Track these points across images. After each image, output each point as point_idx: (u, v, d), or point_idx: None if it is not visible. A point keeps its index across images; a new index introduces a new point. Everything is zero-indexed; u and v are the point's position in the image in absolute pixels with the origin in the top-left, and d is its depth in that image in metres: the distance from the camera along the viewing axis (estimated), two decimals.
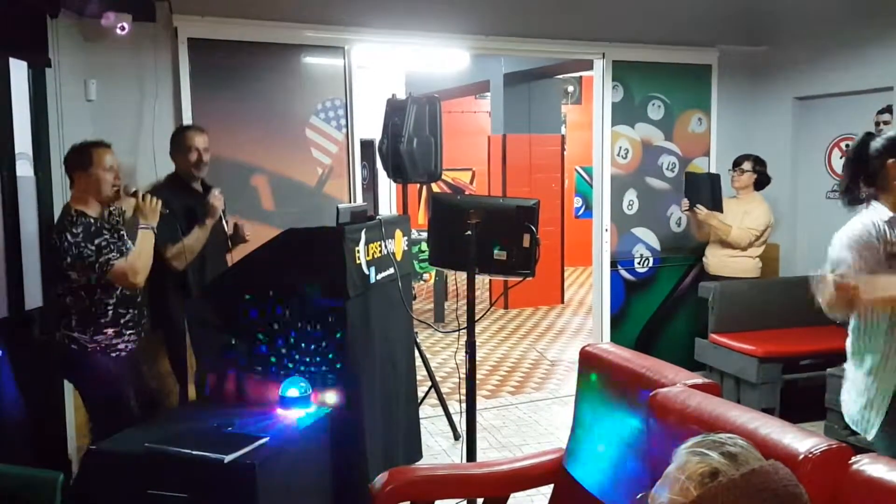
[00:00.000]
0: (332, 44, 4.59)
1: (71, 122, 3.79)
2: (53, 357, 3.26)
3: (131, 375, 3.23)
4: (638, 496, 1.28)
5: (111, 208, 3.23)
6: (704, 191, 5.09)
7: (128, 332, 3.18)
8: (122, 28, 3.78)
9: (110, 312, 3.12)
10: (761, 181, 5.15)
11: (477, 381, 3.15)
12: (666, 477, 1.22)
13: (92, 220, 3.05)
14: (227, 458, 2.37)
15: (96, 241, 3.00)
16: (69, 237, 2.97)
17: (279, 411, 2.82)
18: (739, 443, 1.25)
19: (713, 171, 5.57)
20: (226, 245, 3.85)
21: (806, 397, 4.44)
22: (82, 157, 3.11)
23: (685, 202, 5.21)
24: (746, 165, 5.13)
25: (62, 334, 3.12)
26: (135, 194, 3.25)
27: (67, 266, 3.01)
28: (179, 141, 3.69)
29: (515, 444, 4.43)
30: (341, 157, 4.69)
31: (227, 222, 3.81)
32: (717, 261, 5.19)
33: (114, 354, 3.14)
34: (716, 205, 5.05)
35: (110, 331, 3.12)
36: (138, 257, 3.10)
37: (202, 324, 3.27)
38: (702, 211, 5.06)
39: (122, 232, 3.24)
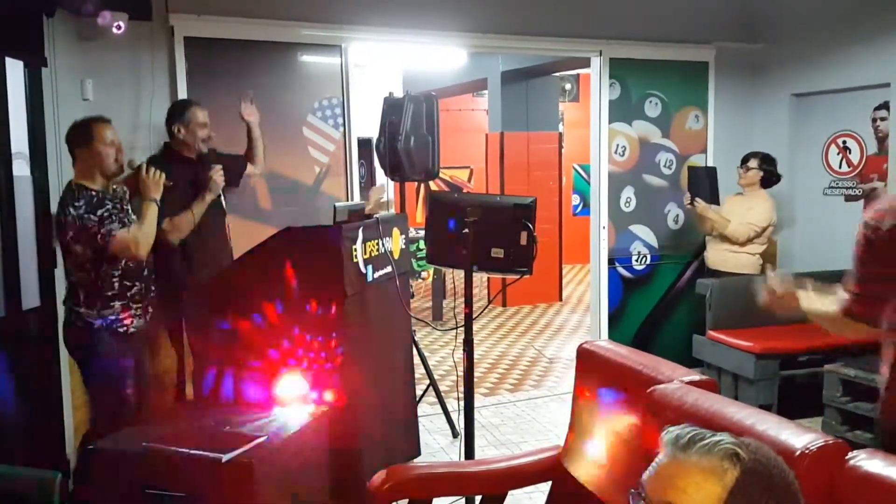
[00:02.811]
0: (328, 42, 4.58)
1: (67, 122, 3.75)
2: (63, 334, 3.26)
3: (133, 360, 3.22)
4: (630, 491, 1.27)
5: (114, 185, 3.23)
6: (703, 184, 5.13)
7: (135, 306, 3.19)
8: (119, 27, 3.77)
9: (116, 285, 3.13)
10: (768, 179, 5.15)
11: (475, 379, 3.15)
12: (675, 476, 1.21)
13: (94, 193, 3.07)
14: (225, 457, 2.37)
15: (98, 212, 3.02)
16: (72, 210, 3.00)
17: (277, 410, 2.82)
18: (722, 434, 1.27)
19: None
20: (223, 220, 3.87)
21: (803, 394, 4.45)
22: (83, 133, 3.13)
23: (687, 196, 5.24)
24: (753, 163, 5.11)
25: (70, 311, 3.14)
26: (138, 168, 3.26)
27: (72, 239, 3.03)
28: (189, 117, 3.69)
29: (514, 442, 4.43)
30: (338, 156, 4.68)
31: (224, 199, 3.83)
32: (716, 255, 5.20)
33: (121, 330, 3.14)
34: (713, 198, 5.08)
35: (118, 304, 3.13)
36: (141, 228, 3.12)
37: (200, 322, 3.27)
38: (700, 204, 5.09)
39: (125, 205, 3.25)
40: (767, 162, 5.14)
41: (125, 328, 3.16)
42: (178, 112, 3.74)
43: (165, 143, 3.80)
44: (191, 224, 3.53)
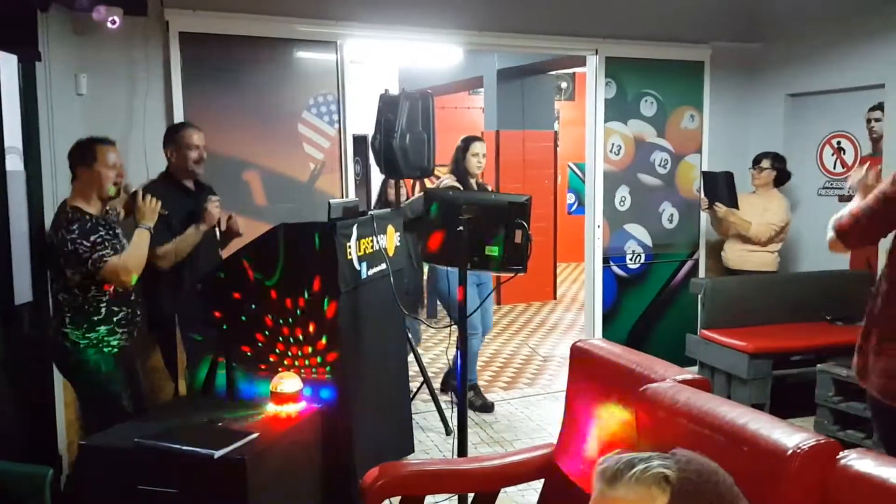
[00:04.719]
0: (324, 38, 4.56)
1: (61, 117, 3.77)
2: (48, 353, 3.25)
3: (124, 373, 3.22)
4: None
5: (108, 207, 3.22)
6: (721, 188, 5.18)
7: (121, 331, 3.18)
8: (113, 22, 3.74)
9: (103, 310, 3.12)
10: (780, 178, 5.23)
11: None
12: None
13: (88, 217, 3.05)
14: (217, 454, 2.37)
15: (91, 238, 3.00)
16: (65, 234, 2.98)
17: (270, 406, 2.82)
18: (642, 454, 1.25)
19: (705, 167, 5.59)
20: (217, 242, 3.83)
21: (796, 393, 4.46)
22: (85, 153, 3.10)
23: (704, 200, 5.29)
24: (765, 163, 5.20)
25: (56, 331, 3.12)
26: (134, 194, 3.25)
27: (63, 263, 3.02)
28: (178, 139, 3.63)
29: (507, 440, 4.44)
30: (333, 153, 4.67)
31: (220, 223, 3.78)
32: (736, 255, 5.25)
33: (106, 350, 3.13)
34: (732, 201, 5.14)
35: (103, 328, 3.12)
36: (132, 256, 3.10)
37: (193, 319, 3.26)
38: (721, 208, 5.13)
39: (117, 230, 3.23)
40: (778, 161, 5.23)
41: (110, 349, 3.14)
42: (169, 135, 3.69)
43: (165, 169, 3.74)
44: (182, 253, 3.48)
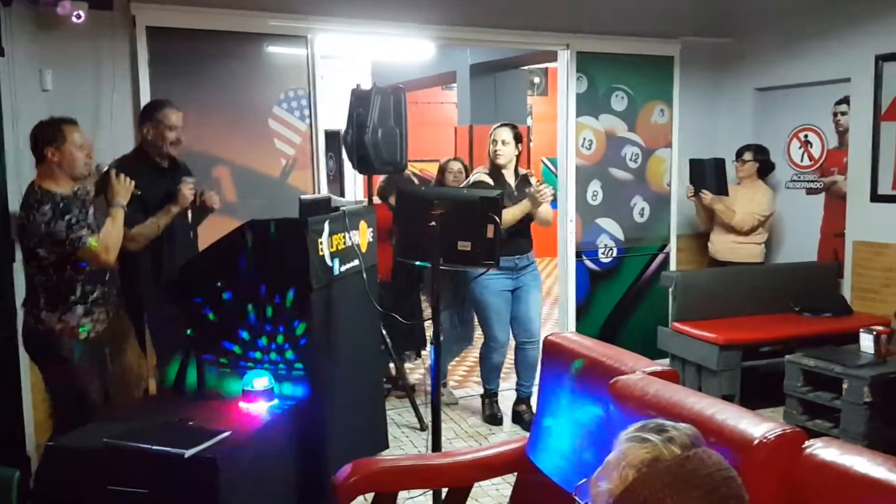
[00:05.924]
0: (294, 33, 4.53)
1: (26, 113, 3.70)
2: (22, 337, 3.20)
3: (94, 365, 3.17)
4: (579, 483, 1.26)
5: (77, 187, 3.17)
6: (709, 176, 5.20)
7: (97, 311, 3.14)
8: (79, 16, 3.69)
9: (78, 289, 3.07)
10: (764, 169, 5.30)
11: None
12: (608, 464, 1.21)
13: (59, 198, 3.00)
14: (188, 453, 2.34)
15: (66, 218, 2.96)
16: (37, 216, 2.93)
17: (242, 404, 2.80)
18: (681, 427, 1.23)
19: (675, 161, 5.64)
20: (189, 225, 3.76)
21: (766, 384, 4.52)
22: (54, 134, 3.04)
23: (690, 188, 5.31)
24: (748, 155, 5.29)
25: (29, 314, 3.08)
26: (107, 173, 3.20)
27: (36, 244, 2.97)
28: (158, 117, 3.55)
29: (482, 434, 4.45)
30: (305, 148, 4.65)
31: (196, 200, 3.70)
32: (724, 247, 5.31)
33: (82, 337, 3.09)
34: (720, 189, 5.18)
35: (79, 308, 3.08)
36: (109, 235, 3.07)
37: (163, 317, 3.22)
38: (707, 196, 5.17)
39: (89, 209, 3.18)
40: (761, 152, 5.30)
41: (87, 333, 3.11)
42: (148, 112, 3.62)
43: (138, 146, 3.69)
44: (153, 234, 3.44)
